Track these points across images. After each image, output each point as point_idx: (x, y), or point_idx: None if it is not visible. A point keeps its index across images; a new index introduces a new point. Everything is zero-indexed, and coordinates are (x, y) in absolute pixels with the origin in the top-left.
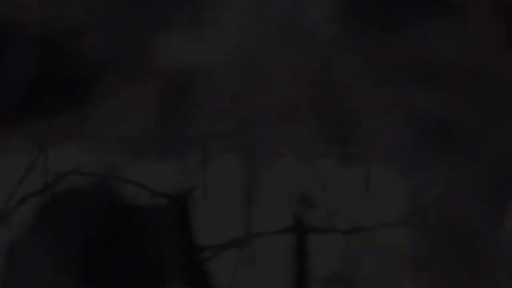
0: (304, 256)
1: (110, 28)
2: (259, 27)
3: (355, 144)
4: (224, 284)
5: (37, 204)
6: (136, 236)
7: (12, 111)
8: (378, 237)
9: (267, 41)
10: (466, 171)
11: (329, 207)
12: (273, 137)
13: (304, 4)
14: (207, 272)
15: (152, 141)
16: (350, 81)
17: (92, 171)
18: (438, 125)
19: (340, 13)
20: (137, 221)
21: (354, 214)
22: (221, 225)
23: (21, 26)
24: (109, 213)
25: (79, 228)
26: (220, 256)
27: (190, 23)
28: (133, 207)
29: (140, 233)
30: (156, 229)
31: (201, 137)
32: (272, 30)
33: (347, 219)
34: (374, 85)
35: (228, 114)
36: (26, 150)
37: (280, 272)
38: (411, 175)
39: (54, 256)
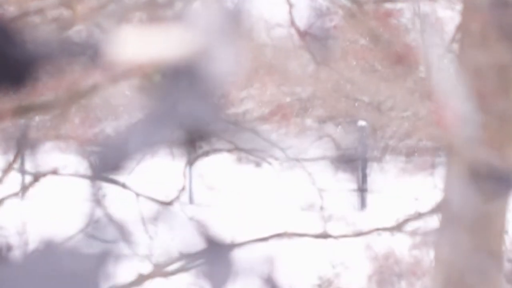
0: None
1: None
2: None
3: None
4: None
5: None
6: None
7: None
8: (375, 243)
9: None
10: None
11: (323, 210)
12: (263, 138)
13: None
14: None
15: (136, 140)
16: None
17: (72, 173)
18: None
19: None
20: None
21: (349, 218)
22: (208, 231)
23: None
24: None
25: None
26: (206, 263)
27: (152, 17)
28: None
29: None
30: None
31: (187, 137)
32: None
33: (342, 224)
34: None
35: (216, 113)
36: (3, 152)
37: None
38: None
39: None
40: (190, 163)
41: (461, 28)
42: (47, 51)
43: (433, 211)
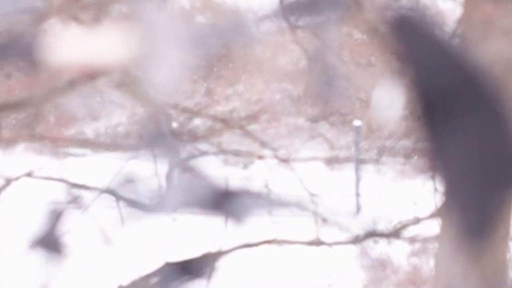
0: None
1: None
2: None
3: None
4: None
5: None
6: None
7: None
8: (371, 250)
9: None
10: None
11: (315, 215)
12: (252, 138)
13: None
14: None
15: (118, 141)
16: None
17: (47, 175)
18: None
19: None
20: None
21: (344, 223)
22: (191, 238)
23: None
24: None
25: None
26: (191, 272)
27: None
28: None
29: None
30: None
31: (171, 137)
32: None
33: (336, 230)
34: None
35: (200, 112)
36: None
37: None
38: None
39: None
40: (173, 166)
41: (462, 21)
42: (20, 45)
43: (433, 216)
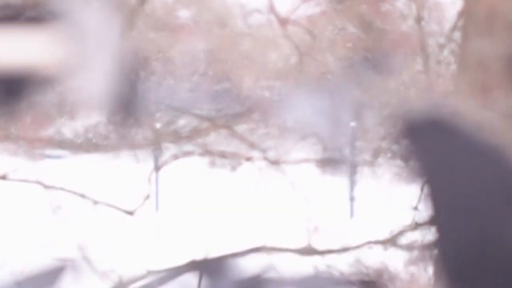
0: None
1: None
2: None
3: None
4: None
5: None
6: None
7: None
8: (366, 258)
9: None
10: None
11: (307, 221)
12: (239, 138)
13: None
14: None
15: (96, 142)
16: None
17: (22, 178)
18: None
19: None
20: None
21: (337, 229)
22: (175, 244)
23: None
24: None
25: None
26: (176, 280)
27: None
28: None
29: None
30: None
31: (153, 138)
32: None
33: (329, 236)
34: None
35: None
36: None
37: None
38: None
39: None
40: (157, 167)
41: (463, 14)
42: None
43: (432, 222)
